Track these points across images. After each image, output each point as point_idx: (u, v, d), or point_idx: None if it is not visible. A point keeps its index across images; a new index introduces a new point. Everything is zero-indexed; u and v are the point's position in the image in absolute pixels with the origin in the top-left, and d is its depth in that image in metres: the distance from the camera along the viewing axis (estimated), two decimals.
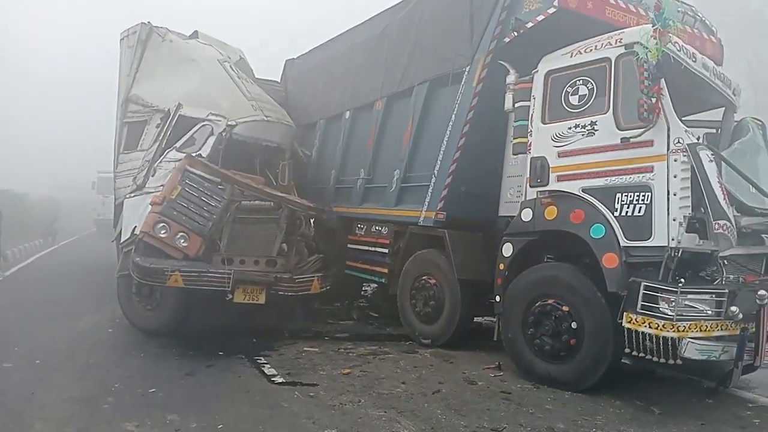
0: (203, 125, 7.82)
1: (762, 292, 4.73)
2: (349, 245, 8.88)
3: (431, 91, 7.44)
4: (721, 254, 5.09)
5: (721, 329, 4.81)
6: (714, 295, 4.81)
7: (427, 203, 7.17)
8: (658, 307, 4.71)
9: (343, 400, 5.08)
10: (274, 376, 5.80)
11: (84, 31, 53.05)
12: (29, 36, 53.28)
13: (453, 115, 6.94)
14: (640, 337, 4.80)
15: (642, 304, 4.77)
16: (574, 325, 5.38)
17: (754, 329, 4.82)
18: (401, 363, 6.35)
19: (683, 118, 7.03)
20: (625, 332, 4.90)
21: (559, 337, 5.47)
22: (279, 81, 11.60)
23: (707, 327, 4.75)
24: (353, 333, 7.82)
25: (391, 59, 8.29)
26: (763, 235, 5.66)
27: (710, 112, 6.94)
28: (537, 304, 5.65)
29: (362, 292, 10.22)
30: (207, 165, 7.25)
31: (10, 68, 45.98)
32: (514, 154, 6.28)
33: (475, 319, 7.59)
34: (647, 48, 5.00)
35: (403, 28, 8.13)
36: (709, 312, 4.79)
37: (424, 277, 7.30)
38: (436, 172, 7.09)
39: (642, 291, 4.77)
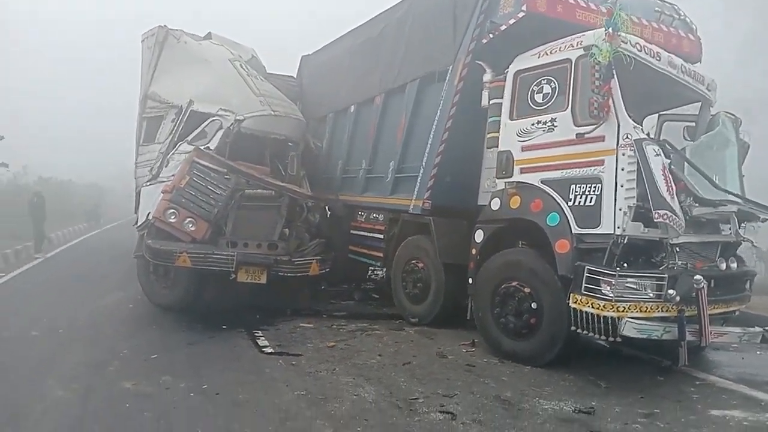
0: (213, 120, 8.51)
1: (698, 276, 5.10)
2: (352, 231, 9.49)
3: (421, 88, 7.94)
4: (672, 241, 5.45)
5: (662, 311, 5.20)
6: (654, 279, 5.19)
7: (416, 192, 7.67)
8: (600, 289, 5.13)
9: (320, 368, 5.69)
10: (265, 347, 6.46)
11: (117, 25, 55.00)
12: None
13: (438, 111, 7.41)
14: (585, 316, 5.24)
15: (585, 287, 5.20)
16: (534, 305, 5.83)
17: (696, 312, 5.21)
18: (385, 338, 6.92)
19: (662, 113, 7.42)
20: (572, 312, 5.34)
21: (521, 316, 5.94)
22: (295, 77, 12.22)
23: (647, 308, 5.15)
24: (351, 312, 8.43)
25: (388, 57, 8.81)
26: (721, 224, 6.02)
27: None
28: (503, 286, 6.12)
29: (371, 275, 10.80)
30: (214, 156, 7.93)
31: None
32: (488, 148, 6.73)
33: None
34: (600, 50, 5.39)
35: (398, 28, 8.64)
36: (651, 294, 5.18)
37: (413, 261, 7.84)
38: (423, 163, 7.59)
39: (586, 274, 5.21)
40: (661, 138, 7.27)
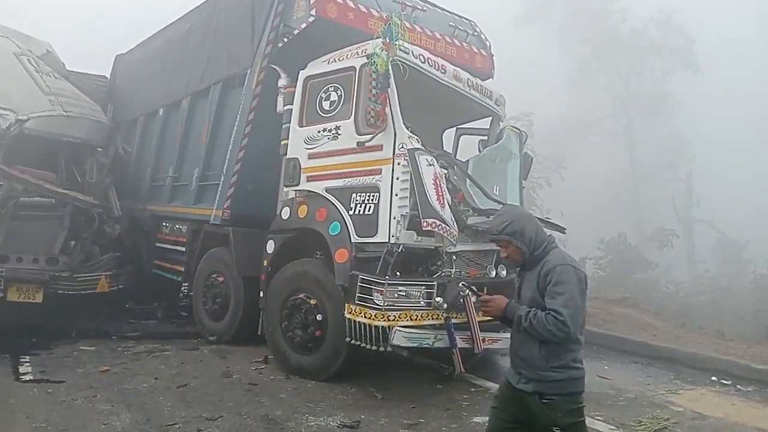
0: None
1: (461, 284, 5.17)
2: (156, 244, 8.86)
3: (224, 92, 7.58)
4: (448, 250, 5.54)
5: (431, 318, 5.23)
6: (424, 287, 5.23)
7: (216, 201, 7.27)
8: (372, 299, 5.06)
9: (78, 396, 5.10)
10: (26, 373, 5.75)
11: None
12: None
13: (238, 116, 7.09)
14: (358, 326, 5.13)
15: (359, 296, 5.11)
16: (319, 317, 5.67)
17: (465, 318, 5.30)
18: (171, 360, 6.42)
19: (459, 126, 7.63)
20: (347, 322, 5.23)
21: (307, 329, 5.75)
22: (108, 77, 11.32)
23: (417, 316, 5.16)
24: (147, 332, 7.78)
25: (194, 58, 8.36)
26: None
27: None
28: (291, 299, 5.91)
29: (186, 291, 10.15)
30: None
31: None
32: (282, 155, 6.51)
33: None
34: (378, 57, 5.37)
35: (203, 28, 8.25)
36: (422, 303, 5.20)
37: (214, 275, 7.40)
38: (224, 171, 7.22)
39: (359, 283, 5.12)
40: (457, 151, 7.54)
